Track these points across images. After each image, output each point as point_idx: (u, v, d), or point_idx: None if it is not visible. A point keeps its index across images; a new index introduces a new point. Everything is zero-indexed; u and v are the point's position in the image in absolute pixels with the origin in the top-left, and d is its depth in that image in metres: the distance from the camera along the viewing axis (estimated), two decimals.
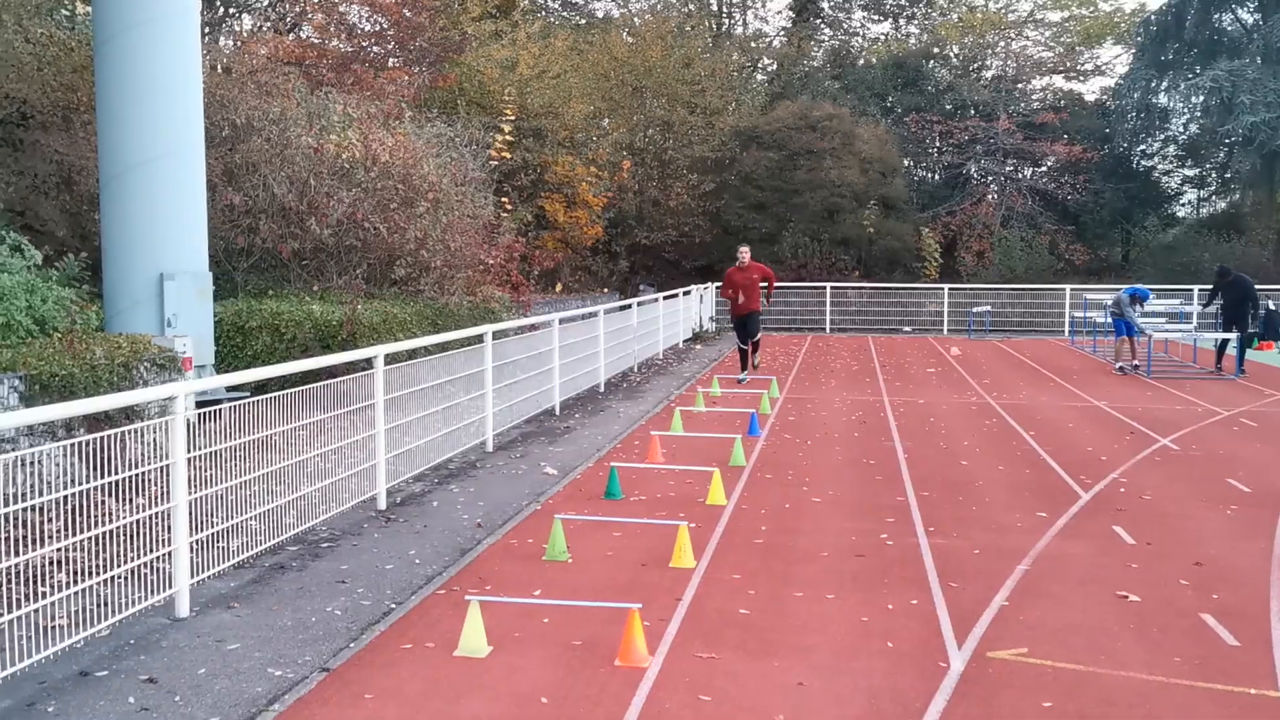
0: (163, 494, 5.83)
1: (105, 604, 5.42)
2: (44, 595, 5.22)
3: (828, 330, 29.63)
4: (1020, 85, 40.48)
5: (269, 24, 23.63)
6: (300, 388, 7.49)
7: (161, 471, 5.88)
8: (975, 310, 28.79)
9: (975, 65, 41.03)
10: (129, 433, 5.87)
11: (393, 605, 5.99)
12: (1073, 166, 36.92)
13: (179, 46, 11.92)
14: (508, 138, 24.63)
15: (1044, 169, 38.71)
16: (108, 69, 11.82)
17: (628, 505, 8.42)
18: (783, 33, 44.88)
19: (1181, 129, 39.22)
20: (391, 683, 4.91)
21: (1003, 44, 40.99)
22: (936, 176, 40.62)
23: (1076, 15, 41.59)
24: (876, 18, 45.57)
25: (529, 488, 9.05)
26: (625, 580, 6.42)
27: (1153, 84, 37.10)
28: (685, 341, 24.90)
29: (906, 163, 38.94)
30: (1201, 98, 35.42)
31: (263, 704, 4.66)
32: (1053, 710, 4.69)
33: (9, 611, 4.79)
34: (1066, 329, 27.95)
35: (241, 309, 13.80)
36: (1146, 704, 4.78)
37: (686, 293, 25.40)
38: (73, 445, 6.09)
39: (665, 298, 22.07)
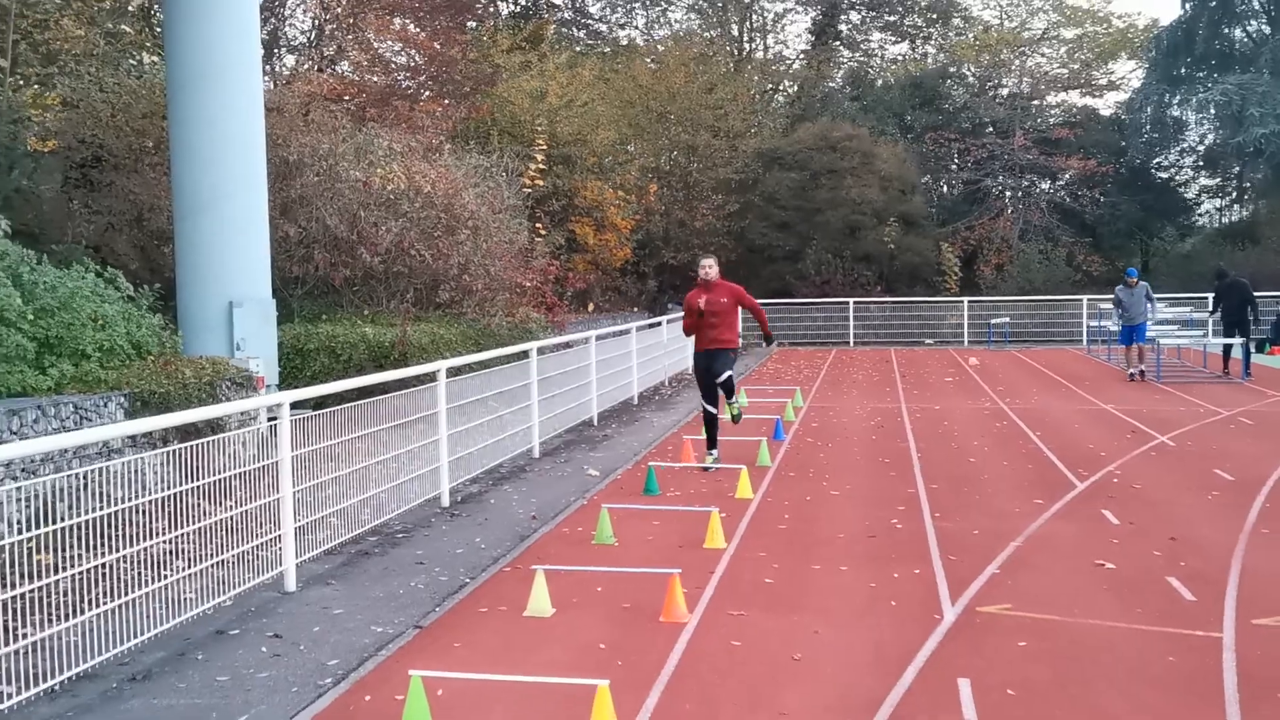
0: (271, 488, 6.85)
1: (224, 582, 6.42)
2: (172, 574, 6.21)
3: (851, 344, 30.51)
4: (1036, 102, 41.32)
5: (312, 62, 24.80)
6: (368, 400, 8.51)
7: (264, 470, 6.90)
8: (994, 322, 29.59)
9: (991, 83, 41.89)
10: (211, 442, 6.84)
11: (466, 580, 6.98)
12: (1089, 180, 37.69)
13: (244, 93, 13.05)
14: (540, 166, 25.71)
15: (1060, 183, 39.49)
16: (181, 116, 12.96)
17: (664, 499, 9.39)
18: (802, 55, 45.92)
19: (1198, 140, 39.96)
20: (474, 637, 5.89)
21: (1018, 62, 41.83)
22: (955, 192, 41.46)
23: (1090, 32, 42.37)
24: (894, 39, 46.56)
25: (575, 487, 10.03)
26: (665, 558, 7.38)
27: (1165, 97, 37.88)
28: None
29: (925, 179, 39.80)
30: (1213, 110, 36.16)
31: (371, 651, 5.65)
32: (1027, 649, 5.61)
33: (144, 587, 5.78)
34: (1084, 338, 28.70)
35: (300, 333, 14.88)
36: (1110, 643, 5.68)
37: None
38: (169, 453, 7.08)
39: None
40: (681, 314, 11.54)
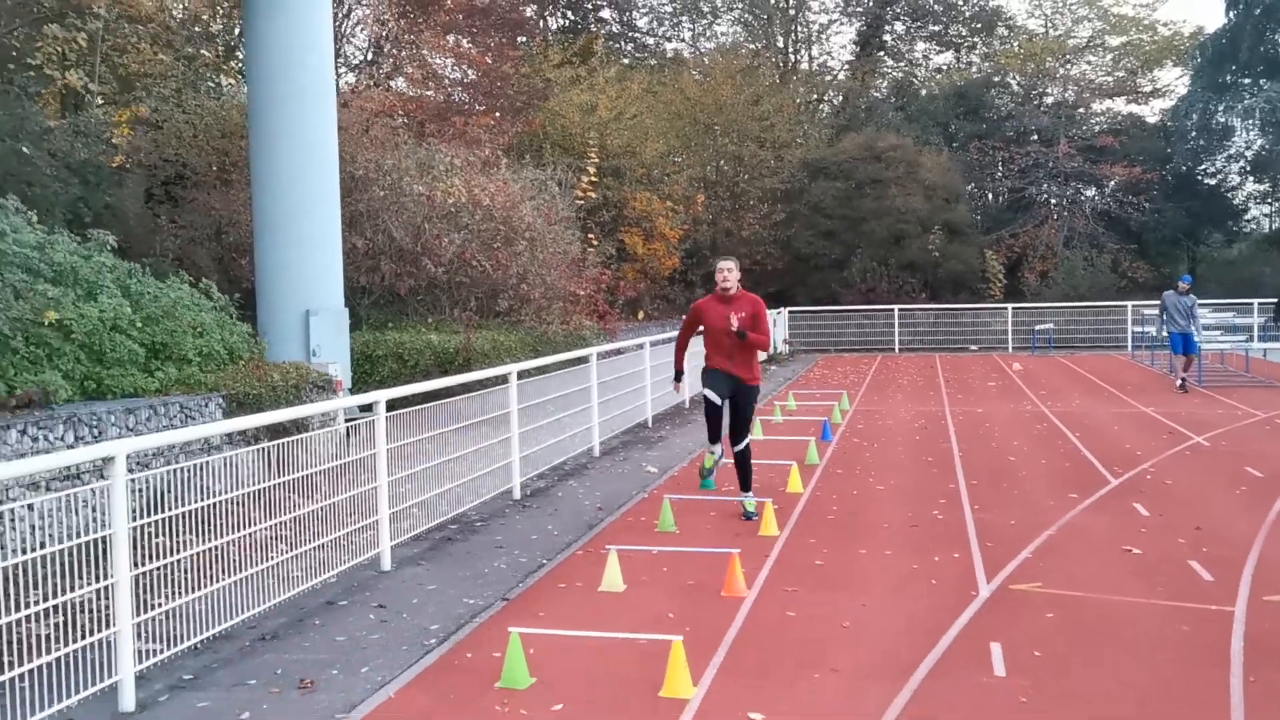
0: (369, 478, 7.59)
1: (327, 563, 7.15)
2: (279, 555, 6.95)
3: (896, 350, 30.99)
4: (1080, 110, 41.59)
5: (372, 80, 25.74)
6: (447, 400, 9.26)
7: (360, 463, 7.65)
8: (1038, 328, 29.96)
9: (1036, 92, 42.20)
10: (307, 439, 7.61)
11: (544, 561, 7.69)
12: (1134, 187, 37.90)
13: (320, 114, 13.88)
14: (592, 178, 26.49)
15: (1106, 190, 39.71)
16: (261, 135, 13.82)
17: (720, 493, 10.06)
18: (847, 66, 46.46)
19: (1245, 145, 40.00)
20: (555, 608, 6.58)
21: (1063, 70, 42.11)
22: (999, 200, 41.79)
23: (1135, 40, 42.57)
24: (938, 48, 46.97)
25: (635, 482, 10.73)
26: (723, 543, 8.04)
27: (1211, 104, 38.04)
28: (760, 363, 26.41)
29: (970, 188, 40.19)
30: (1259, 116, 36.28)
31: (466, 618, 6.37)
32: (1055, 619, 6.22)
33: (256, 566, 6.51)
34: (1129, 344, 29.01)
35: (368, 340, 15.71)
36: (1130, 616, 6.27)
37: None
38: (259, 450, 7.81)
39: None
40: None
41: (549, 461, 11.27)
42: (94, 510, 5.94)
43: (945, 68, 46.87)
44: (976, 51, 46.13)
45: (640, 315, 30.01)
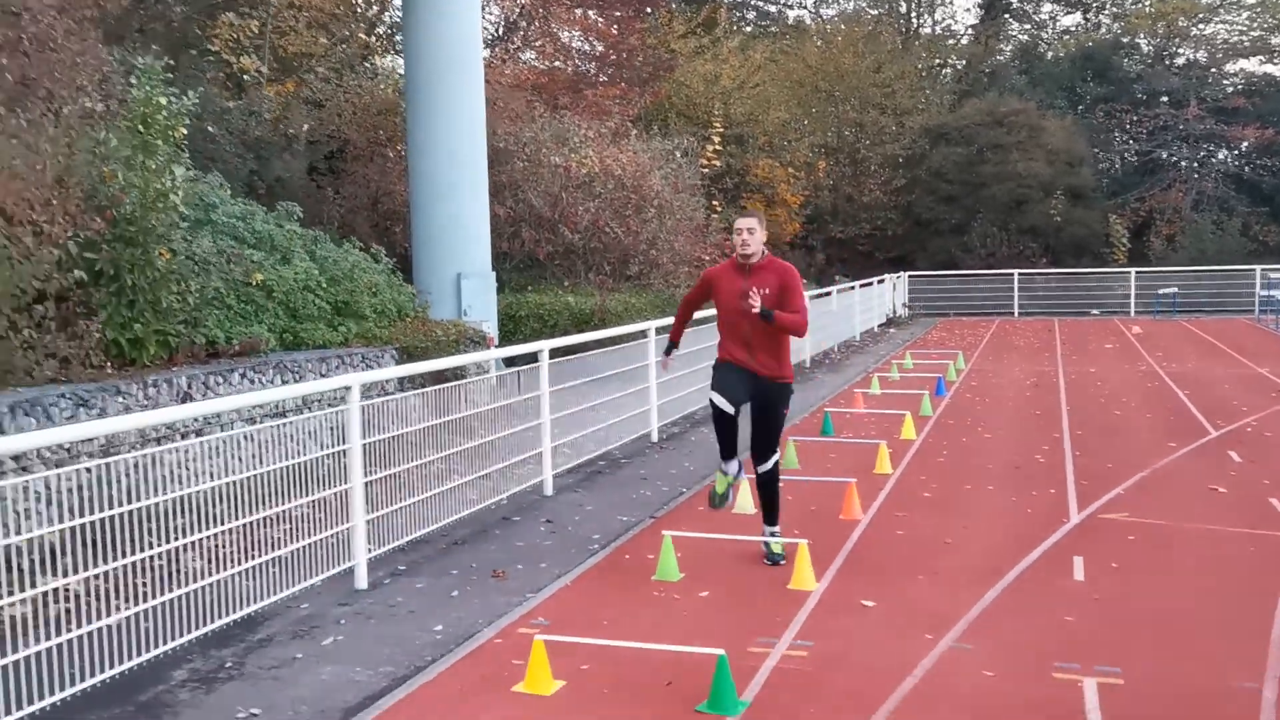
0: (534, 415, 8.80)
1: (495, 490, 8.38)
2: (461, 477, 8.18)
3: (1015, 315, 31.29)
4: (1213, 70, 40.77)
5: (507, 54, 27.04)
6: (591, 353, 10.41)
7: (525, 403, 8.86)
8: (1161, 292, 29.93)
9: (1166, 52, 41.50)
10: (461, 386, 8.80)
11: (683, 489, 8.82)
12: (1267, 149, 37.17)
13: (470, 89, 15.13)
14: (716, 147, 27.42)
15: (1238, 152, 38.97)
16: (417, 112, 15.14)
17: (839, 438, 11.04)
18: (970, 30, 46.25)
19: None
20: (697, 524, 7.68)
21: (1195, 30, 41.30)
22: (1125, 164, 41.32)
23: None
24: (1066, 9, 46.36)
25: None
26: (843, 476, 9.05)
27: None
28: (880, 326, 27.14)
29: (1095, 151, 39.82)
30: None
31: (622, 530, 7.54)
32: (1134, 541, 7.09)
33: (435, 489, 7.74)
34: (1255, 308, 28.83)
35: (511, 301, 17.03)
36: (1203, 539, 7.10)
37: (880, 281, 27.61)
38: (423, 395, 9.04)
39: (860, 286, 24.42)
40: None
41: (682, 410, 12.38)
42: (306, 435, 7.25)
43: (1073, 29, 46.27)
44: (1105, 12, 45.40)
45: None
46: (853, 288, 23.76)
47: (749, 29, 42.56)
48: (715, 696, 4.53)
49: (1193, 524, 7.49)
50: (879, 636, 5.39)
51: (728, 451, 6.81)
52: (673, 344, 7.62)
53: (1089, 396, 13.96)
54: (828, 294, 20.82)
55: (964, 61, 45.13)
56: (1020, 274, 31.95)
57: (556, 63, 29.34)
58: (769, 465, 6.78)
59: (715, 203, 26.69)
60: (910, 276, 32.16)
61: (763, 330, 6.53)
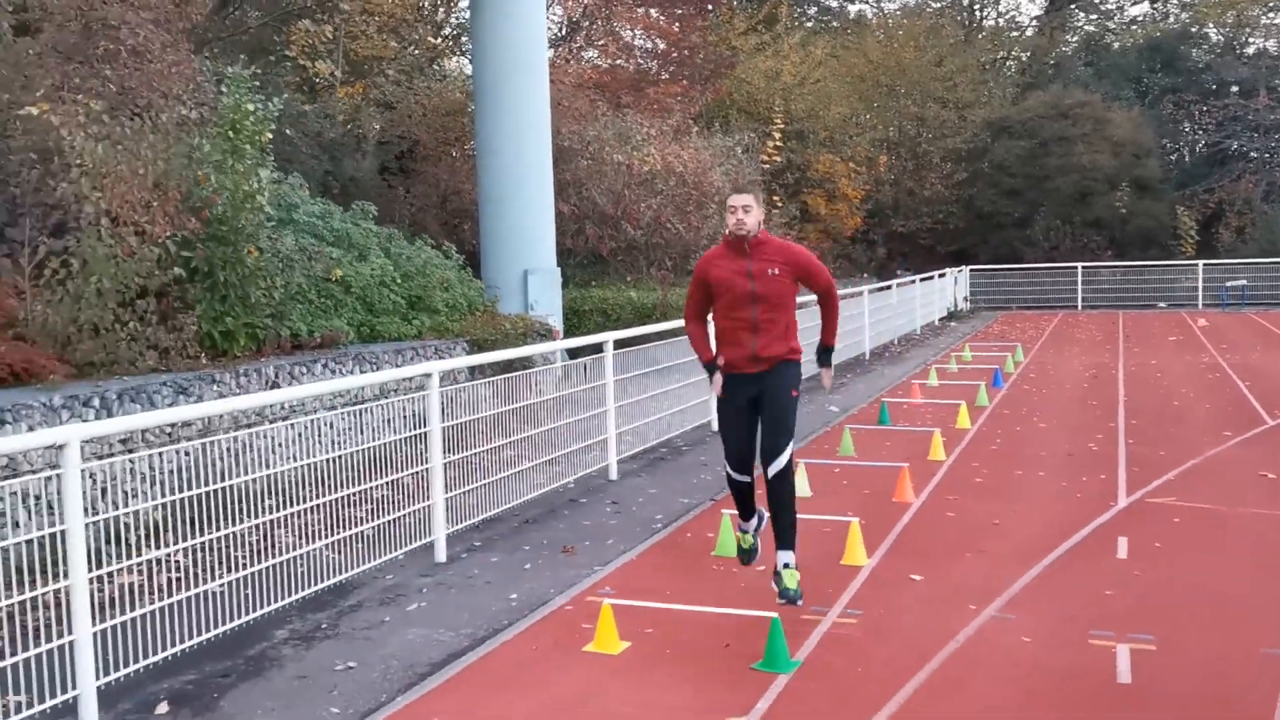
0: (598, 402, 9.23)
1: (561, 475, 8.81)
2: (531, 460, 8.63)
3: (1079, 308, 31.16)
4: None
5: (570, 54, 27.54)
6: (651, 344, 10.80)
7: (591, 391, 9.29)
8: (1229, 284, 29.64)
9: (1236, 42, 40.91)
10: (529, 375, 9.24)
11: None
12: None
13: (536, 89, 15.60)
14: (776, 143, 27.69)
15: None
16: (485, 112, 15.64)
17: (895, 427, 11.34)
18: (1035, 21, 45.91)
19: None
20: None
21: (1265, 19, 40.66)
22: (1194, 155, 40.81)
23: None
24: None
25: (819, 420, 12.09)
26: (897, 462, 9.37)
27: None
28: (940, 320, 27.23)
29: (1163, 143, 39.39)
30: None
31: (683, 511, 7.93)
32: (1180, 523, 7.33)
33: (507, 471, 8.18)
34: None
35: (575, 296, 17.49)
36: (1247, 522, 7.32)
37: (941, 275, 27.70)
38: (491, 384, 9.45)
39: (921, 280, 24.56)
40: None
41: None
42: (383, 423, 7.74)
43: (1141, 19, 45.74)
44: (1174, 2, 44.83)
45: None
46: (913, 281, 23.92)
47: (810, 24, 42.67)
48: (770, 656, 4.91)
49: (1241, 508, 7.70)
50: (925, 607, 5.73)
51: (745, 513, 6.28)
52: (712, 364, 6.07)
53: (1148, 388, 14.08)
54: (887, 288, 21.02)
55: (1028, 54, 44.84)
56: (1084, 267, 31.80)
57: (619, 61, 29.80)
58: (781, 462, 5.79)
59: (776, 198, 26.94)
60: (972, 270, 32.15)
61: (769, 304, 5.73)
